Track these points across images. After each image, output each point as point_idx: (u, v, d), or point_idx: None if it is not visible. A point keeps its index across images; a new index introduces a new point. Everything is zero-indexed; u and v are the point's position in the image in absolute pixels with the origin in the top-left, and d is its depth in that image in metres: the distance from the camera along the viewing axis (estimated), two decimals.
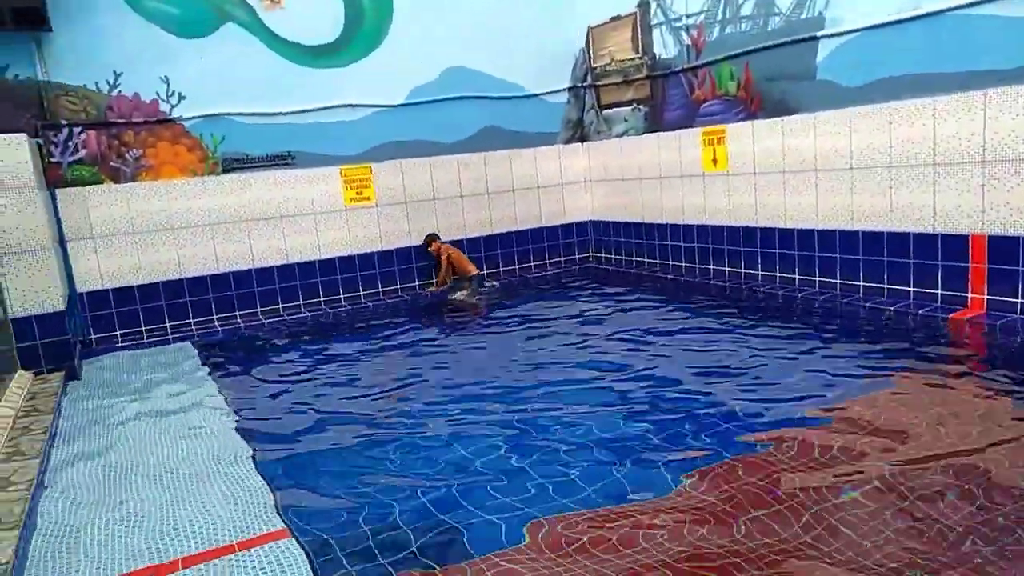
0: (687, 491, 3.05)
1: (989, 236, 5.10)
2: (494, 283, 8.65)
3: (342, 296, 8.12)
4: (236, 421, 4.52)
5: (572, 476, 3.30)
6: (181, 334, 7.19)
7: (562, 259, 9.50)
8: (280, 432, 4.30)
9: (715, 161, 7.46)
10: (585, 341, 5.85)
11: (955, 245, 5.32)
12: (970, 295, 5.28)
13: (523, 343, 6.01)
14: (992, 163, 5.02)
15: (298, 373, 5.63)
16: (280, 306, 7.82)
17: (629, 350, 5.44)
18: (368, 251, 8.25)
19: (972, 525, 2.60)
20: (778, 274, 6.87)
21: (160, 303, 7.29)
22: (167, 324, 7.31)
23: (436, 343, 6.27)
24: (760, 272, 7.07)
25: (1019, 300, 4.96)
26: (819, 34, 6.11)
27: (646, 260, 8.69)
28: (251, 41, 7.49)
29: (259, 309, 7.71)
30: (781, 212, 6.76)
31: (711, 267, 7.69)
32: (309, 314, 7.73)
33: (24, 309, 5.61)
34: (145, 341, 7.02)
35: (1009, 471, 2.96)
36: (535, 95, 9.12)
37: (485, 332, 6.64)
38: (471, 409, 4.37)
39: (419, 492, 3.27)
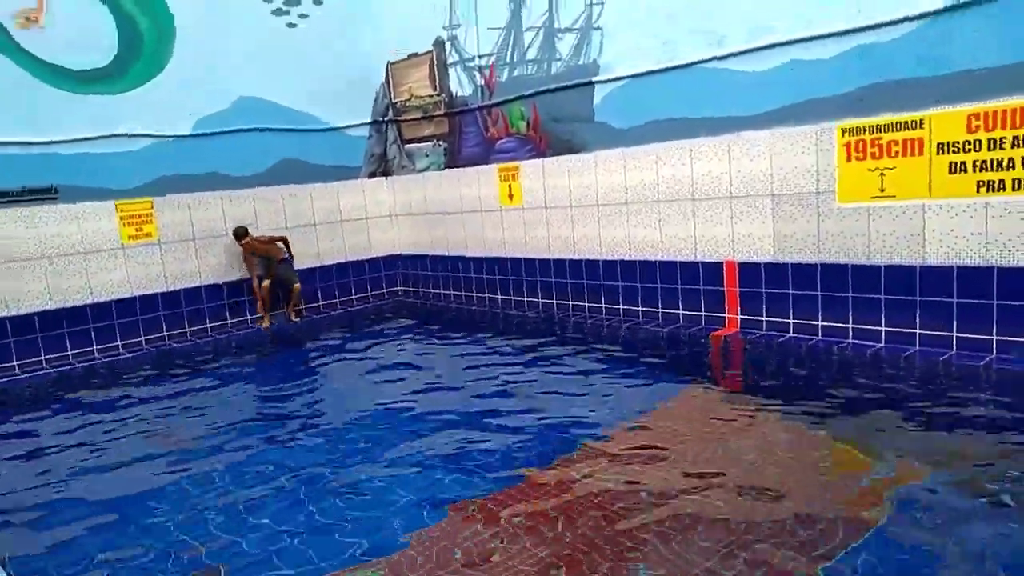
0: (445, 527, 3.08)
1: (739, 263, 5.76)
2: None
3: (119, 343, 7.38)
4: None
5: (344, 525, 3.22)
6: None
7: (370, 293, 9.38)
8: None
9: (511, 196, 7.78)
10: (377, 377, 5.78)
11: (713, 271, 5.95)
12: (727, 315, 5.90)
13: (313, 382, 5.82)
14: (738, 198, 5.69)
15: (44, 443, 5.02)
16: (43, 357, 6.94)
17: (422, 386, 5.45)
18: (151, 292, 7.60)
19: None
20: (570, 302, 7.26)
21: None
22: None
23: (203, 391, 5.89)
24: (555, 301, 7.43)
25: (764, 318, 5.63)
26: (593, 80, 6.63)
27: (452, 292, 8.81)
28: (2, 63, 6.70)
29: (16, 362, 6.79)
30: (570, 244, 7.18)
31: (511, 297, 7.96)
32: (79, 364, 6.94)
33: None
34: None
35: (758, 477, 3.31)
36: (336, 128, 9.01)
37: (263, 374, 6.36)
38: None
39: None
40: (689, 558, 2.65)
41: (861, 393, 4.28)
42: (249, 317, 8.25)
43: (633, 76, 6.31)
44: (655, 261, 6.39)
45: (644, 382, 4.96)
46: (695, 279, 6.10)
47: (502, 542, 2.88)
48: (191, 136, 7.87)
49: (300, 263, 8.59)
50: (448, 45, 8.22)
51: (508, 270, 7.96)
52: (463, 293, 8.62)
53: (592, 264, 6.99)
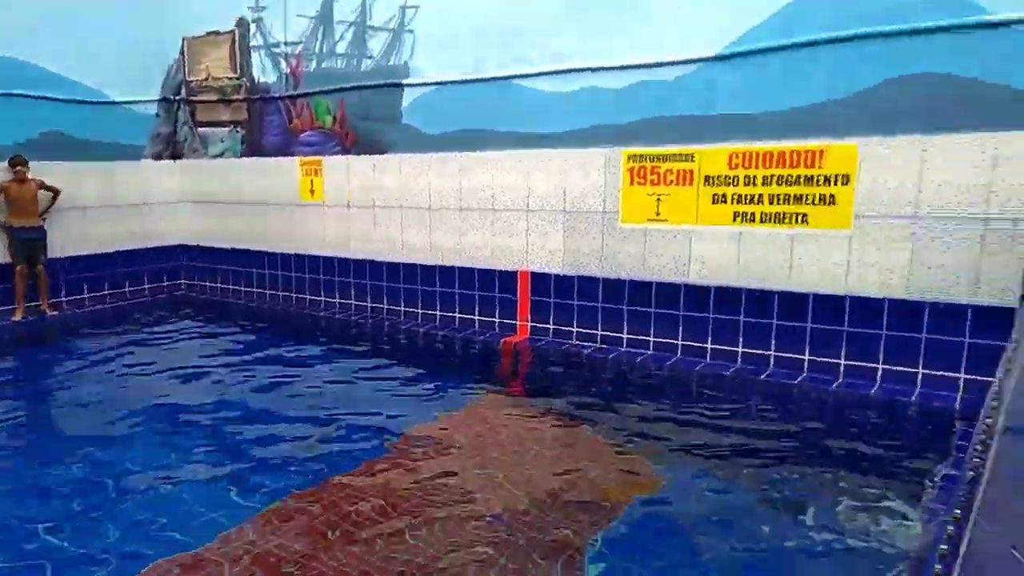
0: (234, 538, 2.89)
1: (532, 272, 6.03)
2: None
3: None
4: None
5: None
6: None
7: (147, 286, 8.52)
8: None
9: (312, 191, 7.51)
10: (149, 378, 5.28)
11: (508, 280, 6.17)
12: (519, 322, 6.15)
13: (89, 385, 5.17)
14: (534, 212, 5.96)
15: None
16: None
17: (208, 384, 5.06)
18: None
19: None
20: (369, 304, 7.15)
21: None
22: None
23: None
24: (353, 302, 7.27)
25: (551, 326, 5.94)
26: (402, 82, 6.62)
27: (243, 288, 8.29)
28: None
29: None
30: (372, 244, 7.07)
31: (307, 296, 7.66)
32: None
33: None
34: None
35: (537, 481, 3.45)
36: (116, 103, 8.12)
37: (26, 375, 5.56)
38: None
39: None
40: (465, 546, 2.70)
41: (629, 395, 4.68)
42: None
43: (442, 83, 6.40)
44: (455, 267, 6.49)
45: (436, 386, 5.01)
46: (491, 286, 6.28)
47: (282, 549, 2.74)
48: None
49: (63, 251, 7.60)
50: (253, 27, 7.78)
51: (306, 267, 7.65)
52: (255, 290, 8.15)
53: (393, 266, 6.93)
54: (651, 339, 5.40)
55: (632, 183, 5.44)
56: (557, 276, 5.88)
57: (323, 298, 7.52)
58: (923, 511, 3.02)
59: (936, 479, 3.23)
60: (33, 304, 7.27)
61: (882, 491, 3.23)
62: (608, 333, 5.62)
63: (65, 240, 7.62)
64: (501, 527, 2.89)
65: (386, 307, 7.02)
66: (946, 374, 4.30)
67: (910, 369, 4.41)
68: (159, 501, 3.17)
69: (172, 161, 8.70)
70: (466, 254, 6.41)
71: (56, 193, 7.32)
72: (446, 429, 4.08)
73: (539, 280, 5.99)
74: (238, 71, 7.97)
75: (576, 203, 5.71)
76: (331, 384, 5.09)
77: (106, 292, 8.10)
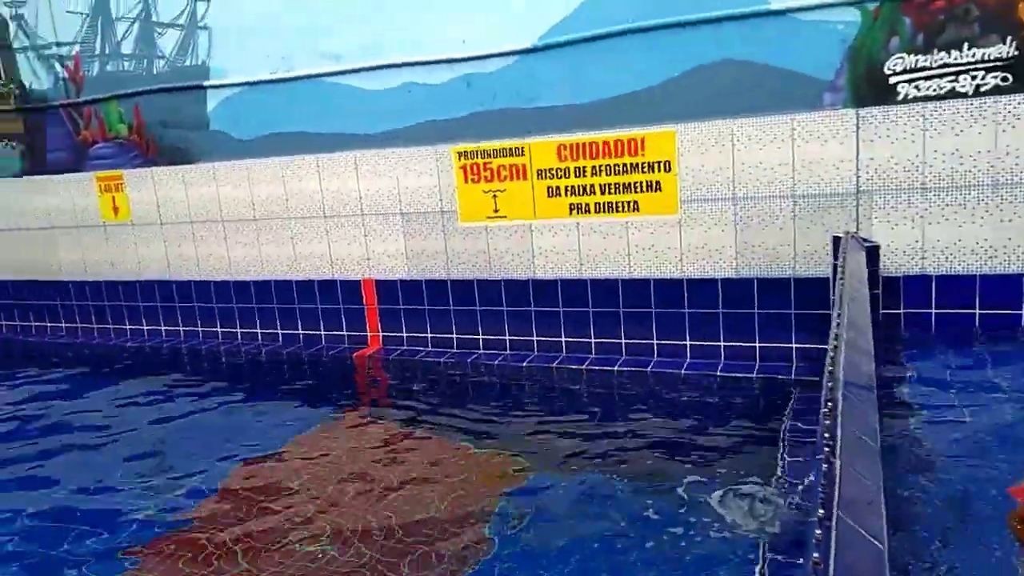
0: None
1: (376, 280, 5.75)
2: None
3: None
4: None
5: None
6: None
7: None
8: None
9: (116, 210, 6.69)
10: None
11: (351, 289, 5.85)
12: (369, 333, 5.88)
13: None
14: (370, 216, 5.65)
15: None
16: None
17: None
18: None
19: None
20: (200, 328, 6.54)
21: None
22: None
23: None
24: (181, 327, 6.63)
25: (404, 335, 5.73)
26: (203, 84, 5.98)
27: (44, 324, 7.32)
28: None
29: None
30: (195, 264, 6.44)
31: (127, 327, 6.89)
32: None
33: None
34: None
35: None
36: None
37: None
38: None
39: None
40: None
41: (490, 401, 4.63)
42: None
43: (247, 84, 5.84)
44: (291, 280, 6.06)
45: (284, 410, 4.70)
46: (334, 298, 5.93)
47: None
48: None
49: None
50: (13, 25, 6.68)
51: (120, 295, 6.86)
52: (62, 324, 7.22)
53: (222, 285, 6.37)
54: (507, 339, 5.34)
55: (467, 181, 5.27)
56: (403, 282, 5.64)
57: (145, 327, 6.79)
58: (778, 484, 3.18)
59: (784, 452, 3.43)
60: None
61: (735, 470, 3.39)
62: (463, 337, 5.50)
63: None
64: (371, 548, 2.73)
65: (220, 330, 6.45)
66: (780, 345, 4.59)
67: (748, 344, 4.67)
68: None
69: None
70: (302, 266, 6.00)
71: None
72: (295, 456, 3.81)
73: (384, 287, 5.72)
74: (2, 76, 6.85)
75: (413, 205, 5.47)
76: (162, 423, 4.61)
77: None
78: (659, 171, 4.69)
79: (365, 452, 3.93)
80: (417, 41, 5.21)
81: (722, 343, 4.73)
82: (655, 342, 4.91)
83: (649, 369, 4.75)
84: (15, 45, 6.73)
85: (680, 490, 3.26)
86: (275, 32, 5.63)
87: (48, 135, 6.89)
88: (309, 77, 5.62)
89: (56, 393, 5.59)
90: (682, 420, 4.10)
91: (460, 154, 5.22)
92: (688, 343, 4.83)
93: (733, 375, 4.51)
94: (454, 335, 5.53)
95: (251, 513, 3.35)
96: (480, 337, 5.44)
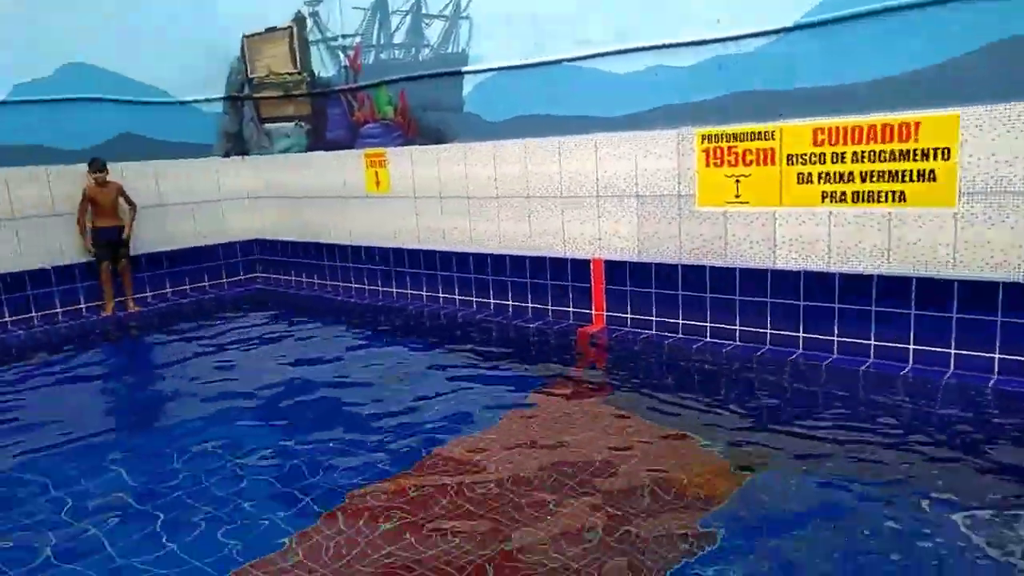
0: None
1: (605, 260, 5.85)
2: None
3: None
4: None
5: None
6: None
7: (225, 280, 8.75)
8: None
9: (378, 183, 7.49)
10: (230, 368, 5.40)
11: (580, 268, 6.01)
12: (594, 312, 6.00)
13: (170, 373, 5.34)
14: (605, 197, 5.76)
15: None
16: None
17: (276, 379, 5.13)
18: None
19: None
20: (440, 294, 7.12)
21: None
22: None
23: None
24: (424, 292, 7.26)
25: (628, 316, 5.77)
26: (461, 69, 6.46)
27: (315, 281, 8.41)
28: None
29: None
30: (440, 235, 7.02)
31: (379, 288, 7.70)
32: None
33: None
34: None
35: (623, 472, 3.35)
36: (184, 102, 8.26)
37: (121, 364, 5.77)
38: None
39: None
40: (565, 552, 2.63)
41: (715, 390, 4.51)
42: (83, 305, 7.46)
43: (501, 69, 6.21)
44: (525, 256, 6.37)
45: (509, 378, 4.95)
46: (563, 275, 6.14)
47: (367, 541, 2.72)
48: (8, 103, 6.93)
49: (144, 247, 7.86)
50: (310, 21, 7.73)
51: (376, 259, 7.68)
52: (328, 282, 8.25)
53: (462, 256, 6.87)
54: (737, 328, 5.18)
55: (708, 165, 5.17)
56: (632, 264, 5.69)
57: (394, 289, 7.54)
58: None
59: None
60: (119, 300, 7.57)
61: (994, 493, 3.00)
62: (690, 323, 5.42)
63: (145, 238, 7.87)
64: (597, 518, 2.81)
65: (457, 297, 6.98)
66: None
67: None
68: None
69: (241, 157, 8.82)
70: (536, 242, 6.28)
71: (134, 207, 7.54)
72: (516, 423, 4.00)
73: (613, 268, 5.81)
74: (298, 66, 7.96)
75: (649, 187, 5.48)
76: (402, 376, 5.09)
77: (186, 287, 8.36)
78: (935, 159, 4.24)
79: (579, 428, 3.97)
80: (668, 24, 5.20)
81: (997, 354, 4.17)
82: (911, 347, 4.46)
83: (902, 373, 4.33)
84: (310, 38, 7.79)
85: (925, 503, 2.96)
86: (531, 20, 5.93)
87: (329, 116, 7.90)
88: (558, 62, 5.84)
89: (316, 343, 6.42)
90: (936, 433, 3.69)
91: (704, 137, 5.13)
92: (952, 351, 4.32)
93: (1009, 389, 3.96)
94: (680, 320, 5.46)
95: (461, 475, 3.59)
96: (708, 325, 5.32)
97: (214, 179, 8.61)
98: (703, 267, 5.29)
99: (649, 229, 5.55)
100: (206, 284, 8.56)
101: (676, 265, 5.44)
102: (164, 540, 3.05)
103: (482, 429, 4.07)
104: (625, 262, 5.73)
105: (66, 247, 7.30)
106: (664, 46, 5.23)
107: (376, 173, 7.48)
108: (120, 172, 7.57)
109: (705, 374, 4.88)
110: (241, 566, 2.79)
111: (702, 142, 5.16)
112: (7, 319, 6.97)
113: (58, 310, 7.31)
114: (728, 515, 2.98)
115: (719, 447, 3.64)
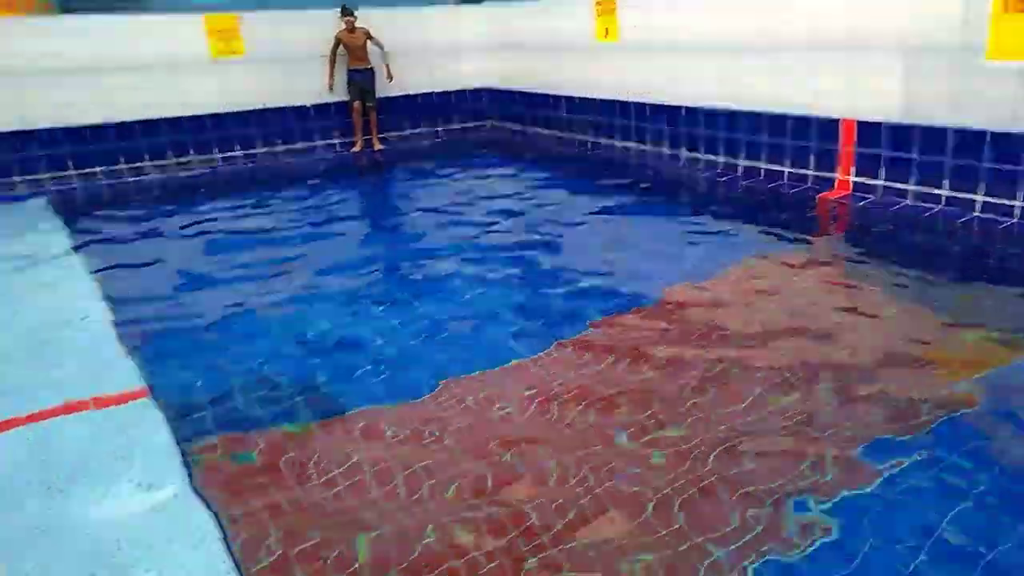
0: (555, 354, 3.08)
1: (858, 121, 5.32)
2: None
3: (217, 155, 7.56)
4: (96, 281, 4.23)
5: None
6: (34, 190, 6.58)
7: (457, 126, 9.20)
8: (146, 296, 4.05)
9: (607, 33, 7.28)
10: (469, 208, 5.77)
11: (827, 128, 5.53)
12: (838, 176, 5.55)
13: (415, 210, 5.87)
14: (861, 49, 5.14)
15: (163, 235, 5.28)
16: (148, 163, 7.19)
17: (512, 220, 5.40)
18: (244, 108, 7.64)
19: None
20: (666, 150, 6.96)
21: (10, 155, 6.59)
22: (14, 179, 6.63)
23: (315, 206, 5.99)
24: (649, 147, 7.13)
25: (880, 183, 5.27)
26: None
27: (542, 130, 8.57)
28: None
29: (124, 166, 7.07)
30: (671, 88, 6.75)
31: (604, 140, 7.68)
32: (183, 174, 7.17)
33: None
34: None
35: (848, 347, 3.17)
36: None
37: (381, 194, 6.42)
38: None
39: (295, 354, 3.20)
40: (762, 416, 2.59)
41: (979, 269, 4.05)
42: (337, 141, 8.27)
43: None
44: (763, 113, 5.97)
45: (737, 238, 4.79)
46: (806, 135, 5.69)
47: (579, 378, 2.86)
48: None
49: (386, 91, 8.43)
50: None
51: (601, 111, 7.61)
52: (554, 132, 8.36)
53: (692, 111, 6.59)
54: (1018, 205, 4.54)
55: (1007, 8, 4.38)
56: (891, 126, 5.12)
57: (619, 142, 7.48)
58: None
59: None
60: (366, 138, 8.30)
61: None
62: (956, 194, 4.83)
63: (386, 82, 8.42)
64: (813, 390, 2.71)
65: (684, 154, 6.78)
66: None
67: None
68: None
69: (476, 4, 8.96)
70: (777, 98, 5.84)
71: (382, 48, 8.04)
72: (740, 286, 3.86)
73: (867, 129, 5.27)
74: None
75: (920, 35, 4.80)
76: (627, 228, 5.14)
77: (422, 129, 8.92)
78: None
79: (811, 297, 3.71)
80: None
81: None
82: None
83: None
84: None
85: None
86: None
87: None
88: None
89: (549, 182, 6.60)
90: None
91: None
92: None
93: None
94: (945, 191, 4.89)
95: (686, 332, 3.55)
96: (980, 198, 4.70)
97: (451, 28, 8.86)
98: (984, 132, 4.62)
99: (918, 87, 4.92)
100: (439, 128, 9.06)
101: (946, 129, 4.80)
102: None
103: (707, 279, 4.00)
104: (881, 123, 5.17)
105: (323, 87, 8.03)
106: None
107: (606, 21, 7.25)
108: (367, 20, 8.04)
109: (968, 251, 4.38)
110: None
111: None
112: (279, 148, 7.93)
113: (317, 143, 8.17)
114: (987, 382, 2.73)
115: (968, 329, 3.26)
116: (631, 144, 7.32)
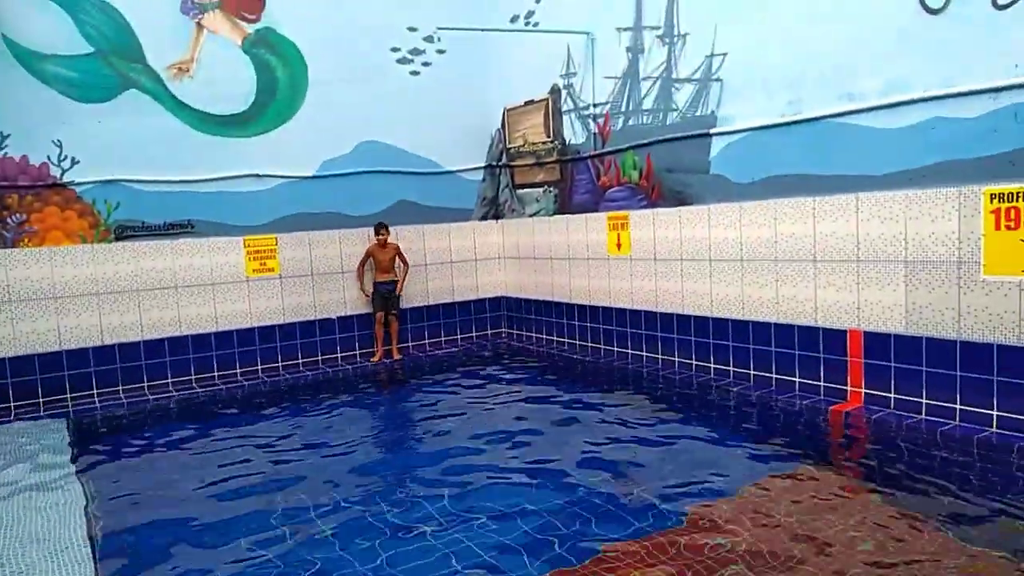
0: None
1: (865, 332, 5.30)
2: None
3: (238, 371, 7.79)
4: (88, 510, 4.20)
5: None
6: (55, 410, 6.73)
7: (474, 334, 9.42)
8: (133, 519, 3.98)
9: (619, 246, 7.62)
10: (479, 421, 5.73)
11: (835, 339, 5.50)
12: (849, 388, 5.43)
13: (424, 427, 5.84)
14: (866, 263, 5.26)
15: (171, 456, 5.30)
16: (169, 380, 7.42)
17: (523, 438, 5.33)
18: (269, 324, 7.99)
19: None
20: (676, 359, 6.96)
21: (34, 377, 6.82)
22: (40, 399, 6.84)
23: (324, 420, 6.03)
24: (660, 356, 7.14)
25: (891, 395, 5.13)
26: (711, 131, 6.39)
27: (555, 339, 8.70)
28: (155, 108, 7.34)
29: (146, 384, 7.30)
30: (679, 299, 6.90)
31: (615, 349, 7.74)
32: (200, 390, 7.35)
33: None
34: (11, 417, 6.51)
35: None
36: (451, 171, 9.21)
37: (387, 409, 6.44)
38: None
39: None
40: None
41: (1000, 492, 3.78)
42: (358, 351, 8.49)
43: (754, 129, 6.03)
44: (771, 323, 6.00)
45: (751, 454, 4.62)
46: (814, 346, 5.66)
47: None
48: (315, 177, 8.28)
49: (410, 301, 8.78)
50: (564, 93, 8.24)
51: (613, 320, 7.76)
52: (566, 340, 8.49)
53: (702, 321, 6.67)
54: None
55: (998, 228, 4.49)
56: (899, 336, 5.08)
57: (630, 351, 7.52)
58: None
59: None
60: (386, 348, 8.51)
61: None
62: (970, 409, 4.66)
63: (412, 293, 8.79)
64: None
65: (695, 363, 6.75)
66: None
67: None
68: None
69: (495, 221, 9.56)
70: (784, 309, 5.90)
71: (407, 265, 8.54)
72: (753, 505, 3.68)
73: (874, 341, 5.23)
74: (551, 135, 8.49)
75: (921, 252, 4.90)
76: (638, 442, 5.00)
77: (441, 338, 9.14)
78: None
79: (827, 520, 3.54)
80: (947, 72, 4.69)
81: None
82: None
83: None
84: (563, 108, 8.29)
85: None
86: (786, 76, 5.72)
87: (575, 181, 8.27)
88: (818, 119, 5.54)
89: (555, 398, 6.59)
90: None
91: (994, 196, 4.48)
92: None
93: None
94: (957, 405, 4.72)
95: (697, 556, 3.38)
96: (995, 413, 4.52)
97: (470, 241, 9.41)
98: (989, 345, 4.55)
99: (920, 299, 4.94)
100: (458, 336, 9.29)
101: (954, 341, 4.74)
102: None
103: (721, 498, 3.84)
104: (889, 335, 5.13)
105: (349, 299, 8.43)
106: (944, 96, 4.71)
107: (618, 235, 7.62)
108: (395, 235, 8.61)
109: (988, 471, 4.13)
110: None
111: (991, 202, 4.51)
112: (299, 360, 8.18)
113: (338, 354, 8.41)
114: None
115: (991, 553, 3.03)
116: (643, 353, 7.35)
